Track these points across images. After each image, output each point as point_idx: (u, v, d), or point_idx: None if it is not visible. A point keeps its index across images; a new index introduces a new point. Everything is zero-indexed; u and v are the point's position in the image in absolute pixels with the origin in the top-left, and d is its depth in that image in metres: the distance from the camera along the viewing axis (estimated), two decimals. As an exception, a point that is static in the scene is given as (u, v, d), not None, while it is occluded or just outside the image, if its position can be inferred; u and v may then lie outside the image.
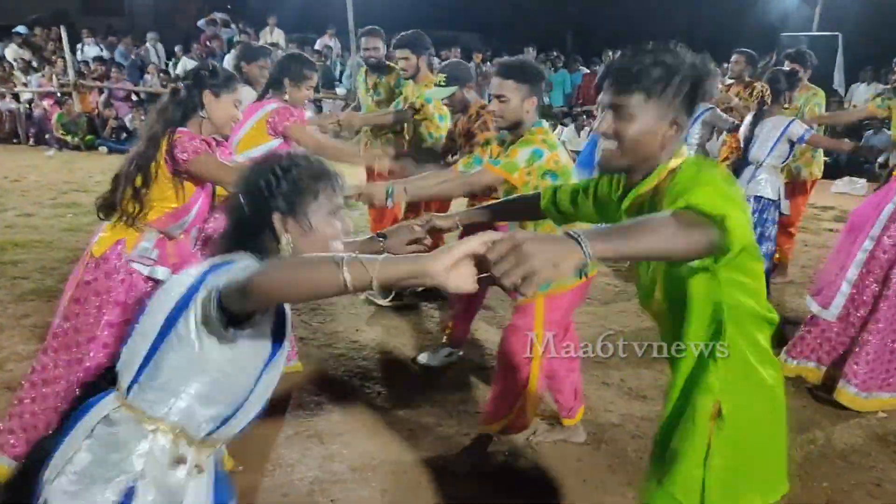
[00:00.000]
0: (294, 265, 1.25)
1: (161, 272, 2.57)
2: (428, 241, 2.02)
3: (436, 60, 13.18)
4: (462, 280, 1.14)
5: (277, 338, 1.48)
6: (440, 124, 4.42)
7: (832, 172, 10.01)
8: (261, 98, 3.80)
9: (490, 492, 2.85)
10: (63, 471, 1.42)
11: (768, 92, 4.58)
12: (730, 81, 5.98)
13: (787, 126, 4.44)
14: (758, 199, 4.58)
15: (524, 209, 2.25)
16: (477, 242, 1.15)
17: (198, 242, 3.00)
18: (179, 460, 1.45)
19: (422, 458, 3.04)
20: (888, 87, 4.67)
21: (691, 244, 1.28)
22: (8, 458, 2.61)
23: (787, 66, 5.48)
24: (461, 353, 4.02)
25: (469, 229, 1.80)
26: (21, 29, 13.63)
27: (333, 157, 3.72)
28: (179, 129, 2.50)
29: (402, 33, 4.54)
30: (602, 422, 3.37)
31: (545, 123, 2.84)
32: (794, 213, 5.64)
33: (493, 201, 2.45)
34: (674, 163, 1.58)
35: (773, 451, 1.66)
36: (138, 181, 2.47)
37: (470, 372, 3.88)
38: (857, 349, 3.53)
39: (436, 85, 3.93)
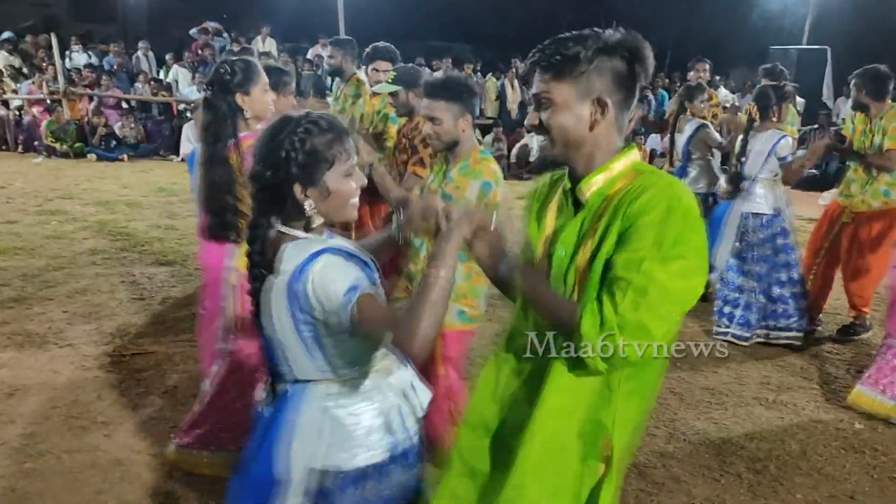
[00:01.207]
0: (424, 318, 1.41)
1: None
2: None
3: (427, 71, 13.27)
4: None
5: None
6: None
7: (819, 184, 10.07)
8: None
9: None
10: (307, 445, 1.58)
11: (755, 109, 4.55)
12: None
13: (778, 142, 4.43)
14: (756, 215, 4.52)
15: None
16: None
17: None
18: (386, 370, 1.67)
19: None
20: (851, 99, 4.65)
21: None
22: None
23: (762, 82, 5.49)
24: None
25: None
26: (8, 35, 13.62)
27: None
28: (242, 137, 2.53)
29: (380, 44, 4.47)
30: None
31: (488, 153, 2.76)
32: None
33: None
34: (624, 162, 1.52)
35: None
36: (239, 205, 2.45)
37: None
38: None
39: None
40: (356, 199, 1.63)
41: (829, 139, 5.15)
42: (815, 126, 11.47)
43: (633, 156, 1.54)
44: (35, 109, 11.84)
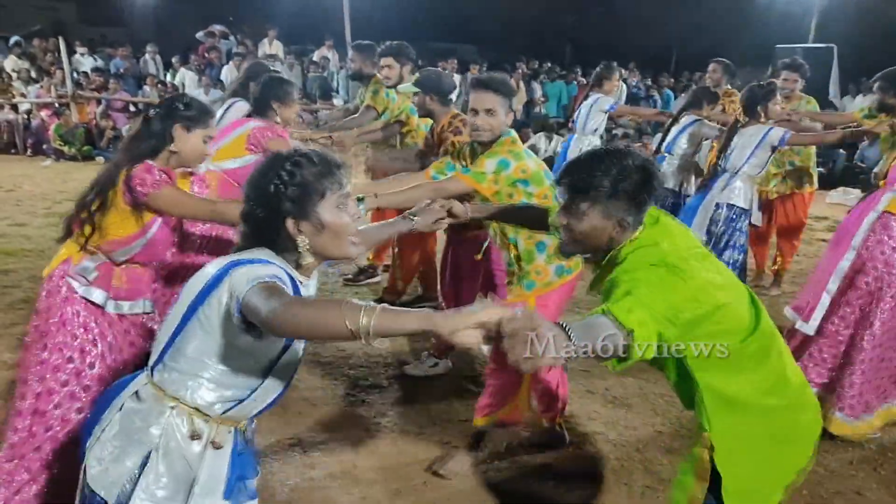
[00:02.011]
0: (307, 312, 1.33)
1: (97, 295, 2.46)
2: (446, 221, 2.31)
3: (450, 76, 13.25)
4: (467, 339, 1.27)
5: None
6: (426, 133, 4.45)
7: (827, 183, 10.03)
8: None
9: (469, 498, 2.85)
10: (99, 440, 1.60)
11: (740, 109, 4.57)
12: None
13: (766, 133, 4.42)
14: (730, 206, 4.53)
15: (532, 219, 2.41)
16: (492, 316, 1.27)
17: (159, 276, 2.89)
18: (195, 435, 1.57)
19: (403, 465, 3.04)
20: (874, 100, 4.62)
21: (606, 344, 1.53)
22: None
23: (782, 76, 5.48)
24: (449, 363, 4.02)
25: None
26: (16, 38, 13.70)
27: None
28: (144, 163, 2.38)
29: (388, 43, 4.70)
30: (586, 430, 3.38)
31: (513, 133, 2.89)
32: (796, 225, 5.65)
33: (508, 204, 2.70)
34: (630, 244, 1.79)
35: (776, 468, 1.87)
36: (94, 205, 2.38)
37: (455, 381, 3.89)
38: (846, 371, 3.40)
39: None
40: (355, 237, 1.61)
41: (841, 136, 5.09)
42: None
43: (637, 237, 1.79)
44: (43, 113, 11.89)
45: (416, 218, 2.24)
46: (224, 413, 1.59)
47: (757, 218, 4.71)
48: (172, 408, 1.57)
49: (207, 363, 1.55)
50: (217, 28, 14.01)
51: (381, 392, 3.73)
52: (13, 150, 11.94)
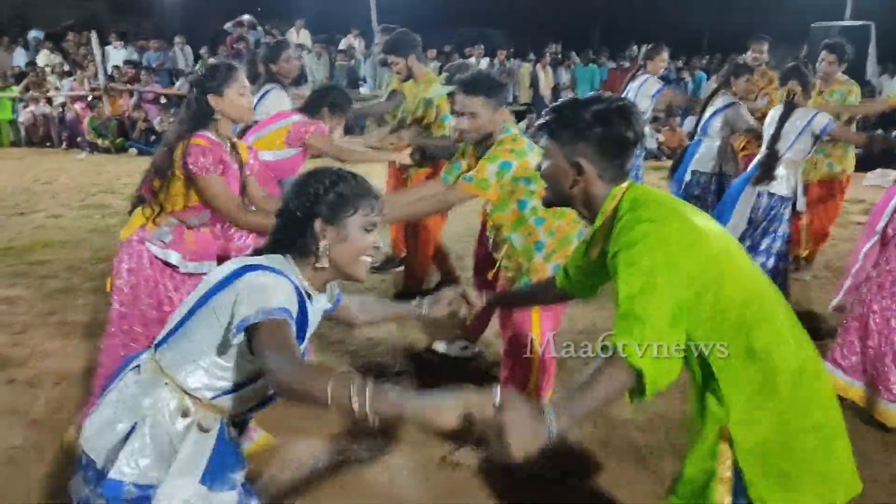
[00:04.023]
0: (308, 383, 1.41)
1: (174, 257, 2.70)
2: (463, 312, 2.14)
3: (474, 64, 13.23)
4: (451, 424, 1.41)
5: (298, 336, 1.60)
6: (444, 123, 4.43)
7: (864, 164, 9.78)
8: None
9: (497, 487, 2.86)
10: (99, 405, 1.70)
11: (798, 87, 4.41)
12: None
13: (812, 118, 4.31)
14: (770, 195, 4.43)
15: (547, 295, 2.33)
16: (475, 405, 1.42)
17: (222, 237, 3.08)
18: (184, 413, 1.63)
19: (429, 455, 3.06)
20: None
21: (617, 386, 1.54)
22: None
23: (822, 57, 5.32)
24: (476, 348, 4.03)
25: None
26: (38, 33, 13.97)
27: (355, 160, 3.78)
28: (195, 134, 2.58)
29: (387, 37, 4.61)
30: (613, 416, 3.36)
31: (513, 130, 2.84)
32: (832, 211, 5.51)
33: (519, 290, 2.76)
34: (611, 201, 1.71)
35: (822, 454, 1.69)
36: (156, 184, 2.62)
37: (487, 368, 3.88)
38: (883, 357, 3.30)
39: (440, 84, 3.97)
40: (369, 259, 1.71)
41: (866, 139, 4.95)
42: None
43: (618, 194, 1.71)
44: (77, 106, 12.11)
45: (424, 307, 2.12)
46: (213, 399, 1.65)
47: (801, 204, 4.59)
48: (166, 384, 1.64)
49: (206, 352, 1.62)
50: (245, 18, 14.07)
51: (410, 380, 3.75)
52: (48, 144, 12.19)
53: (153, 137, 11.77)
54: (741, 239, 4.45)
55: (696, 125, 5.38)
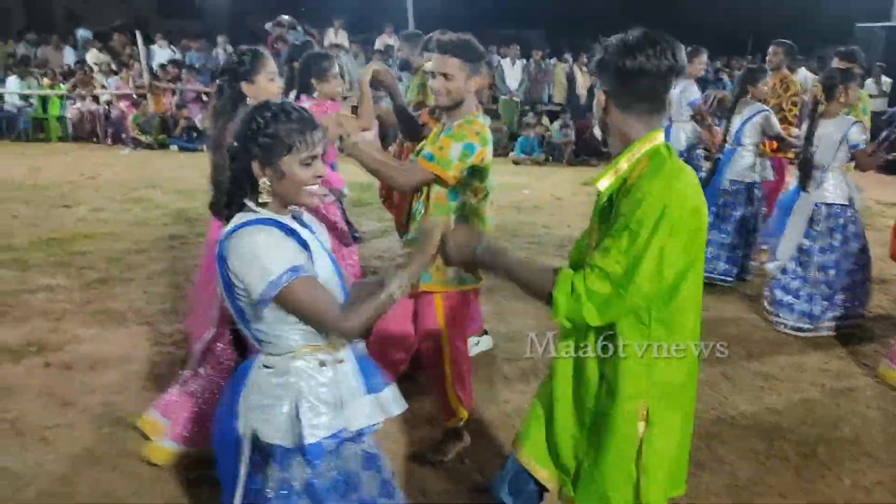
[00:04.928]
0: (366, 313, 1.72)
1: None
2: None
3: (495, 58, 13.27)
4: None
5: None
6: None
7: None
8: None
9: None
10: (244, 411, 1.77)
11: (821, 91, 4.39)
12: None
13: (847, 131, 4.28)
14: (828, 205, 4.41)
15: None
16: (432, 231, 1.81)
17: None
18: (321, 363, 1.77)
19: (412, 449, 3.11)
20: None
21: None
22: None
23: (835, 64, 5.30)
24: (490, 340, 4.09)
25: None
26: (87, 33, 14.39)
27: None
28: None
29: (407, 43, 4.59)
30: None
31: (482, 118, 2.74)
32: None
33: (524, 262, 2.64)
34: (641, 148, 1.67)
35: (684, 447, 1.85)
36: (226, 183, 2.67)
37: (494, 362, 3.95)
38: None
39: None
40: (313, 188, 1.76)
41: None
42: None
43: (644, 147, 1.67)
44: (122, 104, 12.48)
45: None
46: (324, 338, 1.77)
47: (860, 203, 4.53)
48: (293, 357, 1.75)
49: (273, 320, 1.72)
50: (285, 18, 14.30)
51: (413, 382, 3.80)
52: (94, 139, 12.58)
53: (194, 134, 12.07)
54: (808, 251, 4.49)
55: (726, 133, 5.37)
